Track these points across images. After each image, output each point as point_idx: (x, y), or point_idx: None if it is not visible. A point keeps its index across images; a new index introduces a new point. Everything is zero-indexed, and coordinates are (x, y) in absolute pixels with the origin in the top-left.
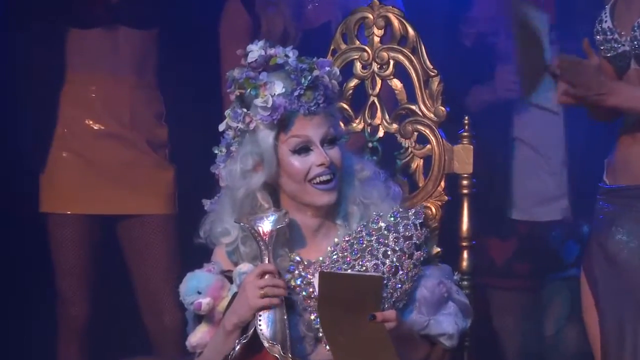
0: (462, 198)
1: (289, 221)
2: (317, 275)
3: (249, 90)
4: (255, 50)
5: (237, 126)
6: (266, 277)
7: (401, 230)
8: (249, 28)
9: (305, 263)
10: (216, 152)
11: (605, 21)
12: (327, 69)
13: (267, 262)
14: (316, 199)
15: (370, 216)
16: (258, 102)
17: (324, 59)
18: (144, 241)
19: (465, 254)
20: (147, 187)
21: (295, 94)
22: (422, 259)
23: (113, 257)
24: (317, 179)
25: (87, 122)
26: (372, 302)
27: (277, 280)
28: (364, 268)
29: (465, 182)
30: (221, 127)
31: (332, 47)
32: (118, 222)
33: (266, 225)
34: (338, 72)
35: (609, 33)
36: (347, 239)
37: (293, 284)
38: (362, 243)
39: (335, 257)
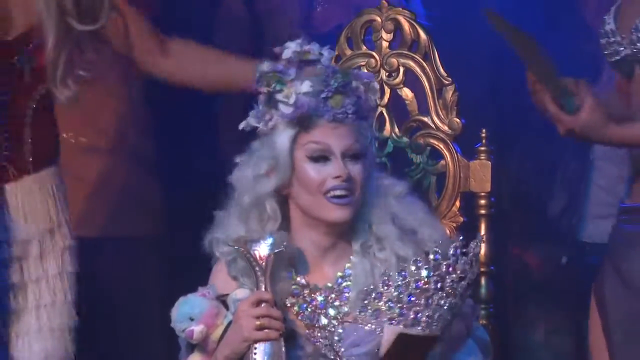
0: (479, 219)
1: (288, 244)
2: (387, 330)
3: (274, 84)
4: (292, 47)
5: (257, 127)
6: (262, 305)
7: (459, 269)
8: (248, 31)
9: (311, 287)
10: (237, 161)
11: (609, 23)
12: (366, 80)
13: (263, 289)
14: (329, 213)
15: (420, 244)
16: (280, 96)
17: (368, 72)
18: (128, 267)
19: (482, 281)
20: (132, 206)
21: (322, 95)
22: (464, 293)
23: (92, 284)
24: (332, 192)
25: (64, 135)
26: (424, 357)
27: (273, 310)
28: (421, 324)
29: (482, 202)
30: (241, 125)
31: (336, 53)
32: (98, 245)
33: (263, 249)
34: (377, 87)
35: (611, 36)
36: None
37: (296, 309)
38: (419, 285)
39: (349, 286)
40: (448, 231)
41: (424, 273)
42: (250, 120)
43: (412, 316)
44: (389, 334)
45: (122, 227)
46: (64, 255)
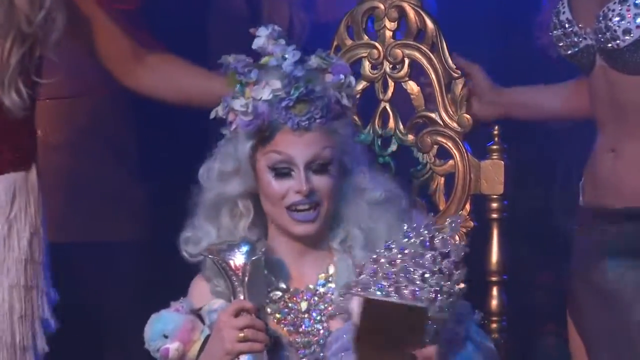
0: (491, 224)
1: (265, 251)
2: (354, 300)
3: (235, 87)
4: (263, 36)
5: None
6: (243, 315)
7: (438, 245)
8: (245, 16)
9: (292, 291)
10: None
11: (563, 12)
12: (340, 77)
13: (242, 299)
14: (292, 227)
15: (374, 244)
16: (237, 104)
17: (341, 62)
18: (109, 275)
19: (494, 291)
20: (112, 208)
21: (283, 104)
22: (462, 280)
23: (69, 295)
24: (294, 207)
25: (40, 133)
26: (415, 337)
27: (257, 320)
28: (399, 294)
29: (494, 205)
30: (212, 115)
31: (335, 43)
32: (76, 251)
33: (238, 258)
34: (353, 82)
35: (567, 26)
36: (372, 259)
37: (278, 316)
38: (395, 263)
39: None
40: (457, 237)
41: (394, 250)
42: (219, 110)
43: (390, 288)
44: (355, 304)
45: (103, 231)
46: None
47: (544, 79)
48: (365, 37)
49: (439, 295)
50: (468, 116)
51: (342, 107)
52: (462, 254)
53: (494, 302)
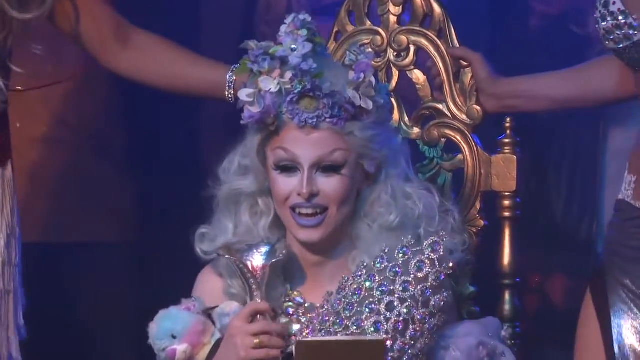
0: (502, 223)
1: (286, 253)
2: (295, 343)
3: (247, 75)
4: (286, 24)
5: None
6: (259, 319)
7: (412, 270)
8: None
9: (307, 306)
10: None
11: (614, 3)
12: (360, 75)
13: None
14: (296, 232)
15: (393, 247)
16: (243, 94)
17: (366, 61)
18: (95, 278)
19: (506, 295)
20: (100, 206)
21: (288, 98)
22: (442, 304)
23: (53, 298)
24: (297, 210)
25: (18, 125)
26: None
27: (273, 325)
28: (360, 329)
29: (506, 203)
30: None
31: (335, 29)
32: (61, 252)
33: (257, 259)
34: (373, 82)
35: (621, 17)
36: (350, 283)
37: (289, 331)
38: (360, 293)
39: (335, 306)
40: (467, 237)
41: (363, 278)
42: (241, 95)
43: (344, 326)
44: (293, 347)
45: (91, 232)
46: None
47: (552, 69)
48: (368, 23)
49: (410, 324)
50: (478, 107)
51: (358, 109)
52: (442, 277)
53: (507, 307)
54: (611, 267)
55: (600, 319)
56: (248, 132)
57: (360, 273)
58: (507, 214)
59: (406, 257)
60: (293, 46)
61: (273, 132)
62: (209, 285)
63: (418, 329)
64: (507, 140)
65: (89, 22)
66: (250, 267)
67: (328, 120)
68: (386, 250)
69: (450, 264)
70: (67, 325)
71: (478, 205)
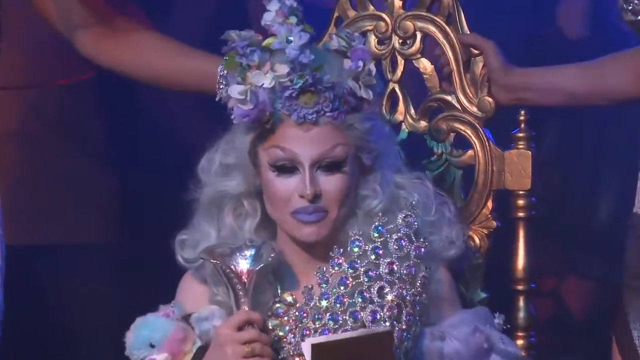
0: (516, 224)
1: (275, 256)
2: (304, 345)
3: (236, 70)
4: (273, 11)
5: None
6: (247, 328)
7: (393, 249)
8: None
9: (298, 306)
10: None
11: None
12: (359, 64)
13: (245, 310)
14: (296, 232)
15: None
16: (234, 91)
17: (362, 46)
18: (76, 280)
19: (520, 302)
20: (78, 203)
21: (287, 94)
22: (425, 281)
23: (26, 304)
24: (298, 213)
25: None
26: None
27: (264, 335)
28: (358, 322)
29: (521, 202)
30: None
31: (335, 15)
32: (35, 254)
33: (242, 264)
34: (374, 71)
35: None
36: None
37: (280, 333)
38: (346, 282)
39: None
40: (477, 239)
41: (344, 266)
42: (220, 93)
43: (345, 316)
44: (304, 349)
45: (72, 232)
46: None
47: (570, 60)
48: (371, 8)
49: (403, 308)
50: (490, 99)
51: (358, 99)
52: (422, 251)
53: (521, 315)
54: (631, 296)
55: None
56: (235, 130)
57: (339, 261)
58: (521, 214)
59: (383, 236)
60: (289, 37)
61: (267, 129)
62: (192, 292)
63: (411, 311)
64: (521, 135)
65: (69, 8)
66: (237, 272)
67: (328, 114)
68: (360, 232)
69: (427, 238)
70: (46, 329)
71: (490, 205)
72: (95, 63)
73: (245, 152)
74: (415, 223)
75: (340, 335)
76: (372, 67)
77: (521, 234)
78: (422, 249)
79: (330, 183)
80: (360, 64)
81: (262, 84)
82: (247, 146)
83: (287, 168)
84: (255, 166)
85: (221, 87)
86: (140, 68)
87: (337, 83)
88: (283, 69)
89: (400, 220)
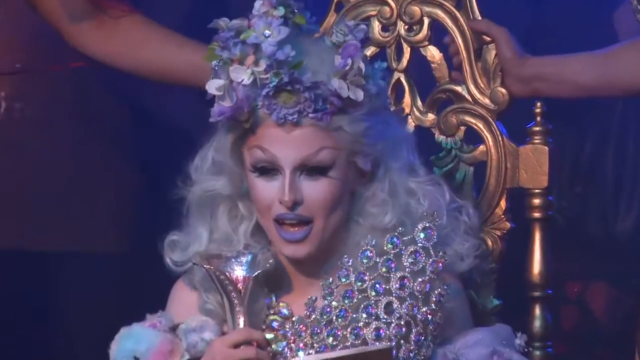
0: (532, 225)
1: (273, 263)
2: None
3: (218, 63)
4: (260, 1)
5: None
6: (245, 345)
7: (407, 263)
8: None
9: (296, 320)
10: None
11: None
12: (347, 62)
13: (241, 322)
14: (281, 246)
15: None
16: (211, 86)
17: (355, 42)
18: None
19: (537, 310)
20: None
21: (264, 92)
22: (441, 299)
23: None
24: (281, 221)
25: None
26: None
27: (264, 354)
28: (360, 339)
29: (537, 201)
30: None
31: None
32: (22, 260)
33: (238, 271)
34: (362, 68)
35: None
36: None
37: (274, 348)
38: (352, 296)
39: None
40: (490, 242)
41: (352, 278)
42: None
43: (345, 331)
44: None
45: (79, 240)
46: None
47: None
48: None
49: (413, 327)
50: (503, 90)
51: (346, 100)
52: (440, 267)
53: (537, 324)
54: None
55: None
56: (220, 128)
57: (346, 272)
58: (537, 214)
59: (397, 248)
60: (266, 32)
61: (248, 129)
62: (183, 300)
63: (421, 331)
64: (537, 129)
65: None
66: (232, 279)
67: (311, 115)
68: (372, 243)
69: (447, 251)
70: (36, 342)
71: (503, 205)
72: (84, 54)
73: (227, 152)
74: (435, 235)
75: (335, 353)
76: (361, 65)
77: (537, 236)
78: (441, 265)
79: (315, 189)
80: (349, 61)
81: (242, 80)
82: (229, 146)
83: (268, 170)
84: (241, 167)
85: None
86: (129, 60)
87: (320, 82)
88: (263, 64)
89: (418, 231)
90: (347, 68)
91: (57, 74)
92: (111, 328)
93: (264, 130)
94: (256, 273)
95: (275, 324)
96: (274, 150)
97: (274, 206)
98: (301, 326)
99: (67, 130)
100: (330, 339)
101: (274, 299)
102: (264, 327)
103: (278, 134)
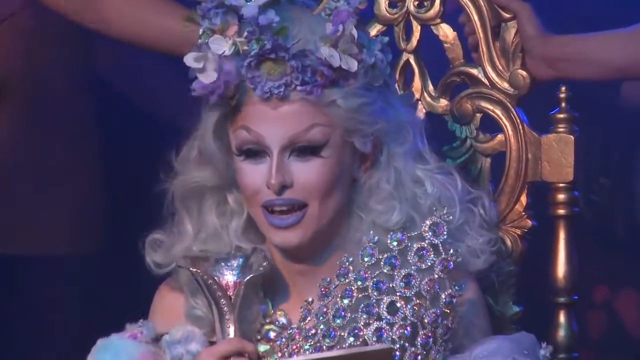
0: (556, 223)
1: (267, 265)
2: None
3: (201, 36)
4: None
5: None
6: (235, 357)
7: (413, 260)
8: None
9: (294, 328)
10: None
11: None
12: (338, 28)
13: (231, 332)
14: (270, 235)
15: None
16: (190, 59)
17: (347, 5)
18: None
19: (561, 317)
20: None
21: (246, 63)
22: (454, 301)
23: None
24: (270, 207)
25: None
26: None
27: None
28: (359, 340)
29: (561, 197)
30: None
31: None
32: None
33: (229, 275)
34: (354, 35)
35: None
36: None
37: None
38: (351, 295)
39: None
40: (509, 242)
41: (351, 277)
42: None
43: (343, 332)
44: None
45: (47, 243)
46: None
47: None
48: None
49: (419, 329)
50: (524, 73)
51: (338, 71)
52: (451, 266)
53: (561, 332)
54: None
55: None
56: (203, 109)
57: (346, 271)
58: (561, 211)
59: (402, 244)
60: None
61: (234, 107)
62: (167, 305)
63: (430, 334)
64: (562, 116)
65: None
66: (222, 284)
67: (299, 88)
68: (375, 240)
69: (458, 250)
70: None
71: (524, 200)
72: (70, 19)
73: (210, 136)
74: (445, 231)
75: (332, 353)
76: (354, 31)
77: (561, 235)
78: (451, 263)
79: (307, 171)
80: (340, 27)
81: (223, 52)
82: (212, 128)
83: (254, 153)
84: (227, 153)
85: None
86: (118, 25)
87: (308, 50)
88: (244, 33)
89: (425, 226)
90: (338, 34)
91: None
92: (81, 338)
93: (248, 108)
94: (248, 278)
95: (271, 334)
96: (259, 129)
97: (261, 192)
98: (295, 330)
99: (26, 128)
100: (327, 340)
101: (270, 306)
102: (259, 337)
103: (263, 111)
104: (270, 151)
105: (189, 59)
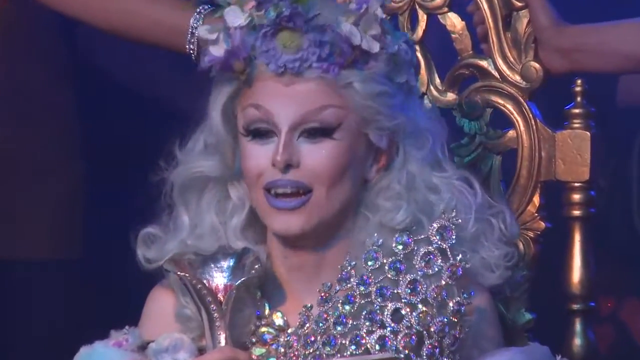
0: (571, 225)
1: (260, 267)
2: None
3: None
4: None
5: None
6: None
7: (419, 265)
8: None
9: (291, 331)
10: None
11: None
12: (361, 6)
13: (222, 339)
14: (271, 220)
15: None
16: (203, 29)
17: None
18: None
19: (577, 325)
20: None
21: (261, 33)
22: (462, 309)
23: None
24: (273, 191)
25: None
26: None
27: None
28: (362, 348)
29: (577, 197)
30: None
31: None
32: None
33: (219, 277)
34: (379, 15)
35: None
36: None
37: None
38: (353, 301)
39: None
40: (521, 245)
41: (352, 282)
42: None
43: (344, 340)
44: None
45: (29, 247)
46: None
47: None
48: None
49: (425, 339)
50: (537, 65)
51: (358, 51)
52: (459, 272)
53: (577, 342)
54: None
55: None
56: (213, 88)
57: (347, 275)
58: (577, 212)
59: (408, 248)
60: None
61: (244, 84)
62: (158, 306)
63: (436, 344)
64: (577, 111)
65: None
66: (211, 287)
67: (315, 65)
68: (379, 243)
69: (472, 259)
70: None
71: (537, 201)
72: (44, 7)
73: (218, 116)
74: (454, 235)
75: None
76: (379, 12)
77: (577, 237)
78: (460, 269)
79: (315, 152)
80: (363, 5)
81: (238, 24)
82: (221, 107)
83: (262, 132)
84: (233, 137)
85: (193, 43)
86: (100, 14)
87: (328, 25)
88: (262, 8)
89: (432, 230)
90: (361, 12)
91: None
92: (64, 346)
93: (259, 85)
94: (239, 281)
95: (267, 337)
96: (269, 106)
97: (265, 173)
98: (293, 337)
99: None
100: (327, 348)
101: (267, 307)
102: (254, 339)
103: (276, 88)
104: (279, 130)
105: (203, 31)
